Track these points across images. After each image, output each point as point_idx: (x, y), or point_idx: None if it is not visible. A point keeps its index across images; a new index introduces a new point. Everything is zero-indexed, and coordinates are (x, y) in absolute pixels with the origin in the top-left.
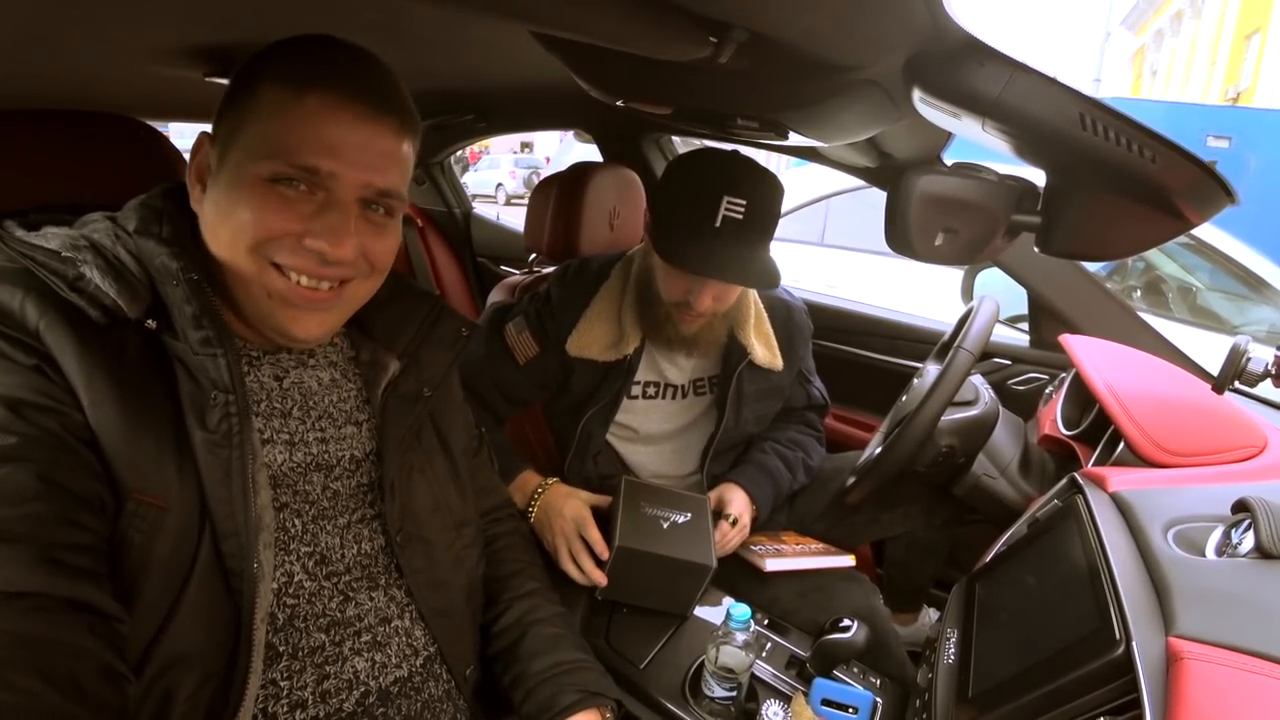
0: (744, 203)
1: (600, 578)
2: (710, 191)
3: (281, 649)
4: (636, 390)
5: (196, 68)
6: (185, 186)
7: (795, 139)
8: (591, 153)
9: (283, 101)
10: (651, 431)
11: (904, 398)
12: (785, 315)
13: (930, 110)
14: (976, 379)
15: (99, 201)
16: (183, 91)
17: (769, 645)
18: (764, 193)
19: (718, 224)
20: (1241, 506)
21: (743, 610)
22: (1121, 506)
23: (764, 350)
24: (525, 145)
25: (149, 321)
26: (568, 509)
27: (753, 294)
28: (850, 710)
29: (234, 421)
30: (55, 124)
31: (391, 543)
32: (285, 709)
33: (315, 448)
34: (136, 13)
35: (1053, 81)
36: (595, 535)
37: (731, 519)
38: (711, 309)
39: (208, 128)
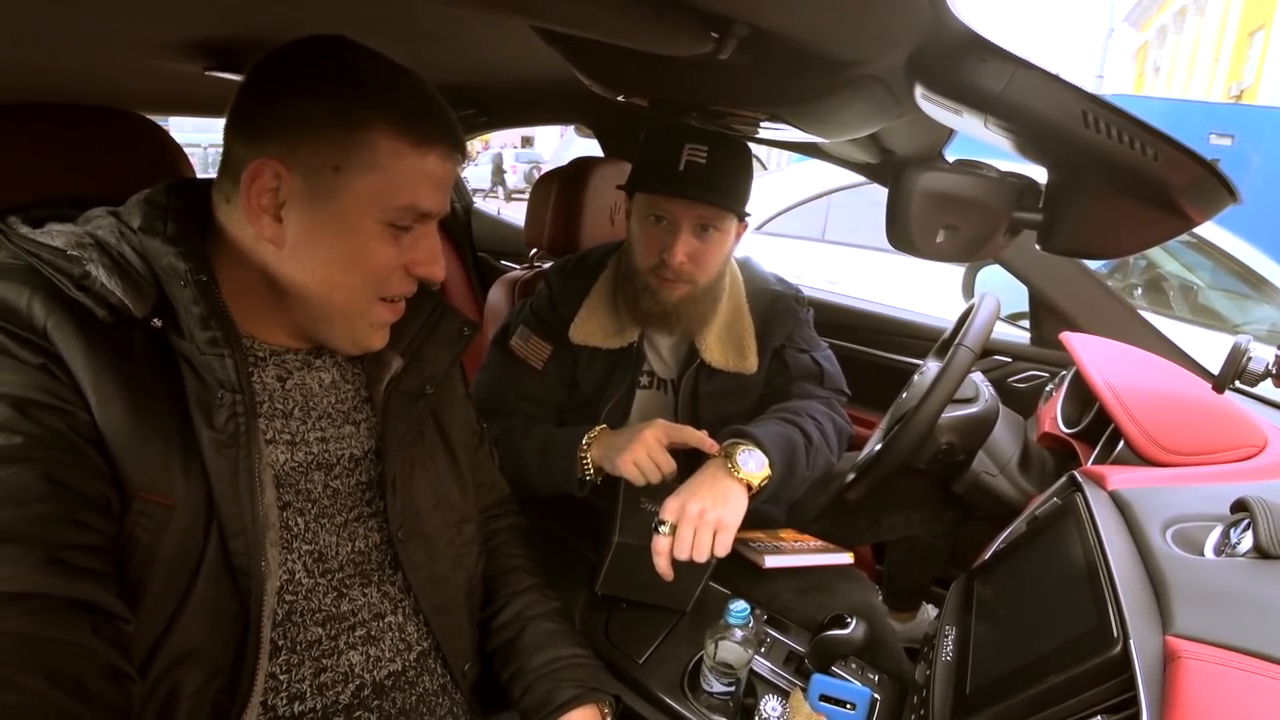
0: (705, 149)
1: (654, 473)
2: (674, 141)
3: (280, 643)
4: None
5: (198, 62)
6: (189, 181)
7: (796, 134)
8: (592, 147)
9: (403, 156)
10: None
11: (904, 394)
12: (766, 304)
13: (932, 107)
14: (977, 376)
15: (100, 196)
16: (184, 85)
17: (768, 641)
18: (725, 144)
19: (681, 167)
20: (1240, 506)
21: (742, 606)
22: (1120, 505)
23: (724, 351)
24: (526, 140)
25: (154, 320)
26: (648, 429)
27: (730, 292)
28: (848, 706)
29: (241, 421)
30: (55, 117)
31: (391, 539)
32: (284, 701)
33: (316, 447)
34: (138, 6)
35: (1055, 79)
36: (663, 457)
37: (664, 529)
38: (689, 272)
39: (209, 122)
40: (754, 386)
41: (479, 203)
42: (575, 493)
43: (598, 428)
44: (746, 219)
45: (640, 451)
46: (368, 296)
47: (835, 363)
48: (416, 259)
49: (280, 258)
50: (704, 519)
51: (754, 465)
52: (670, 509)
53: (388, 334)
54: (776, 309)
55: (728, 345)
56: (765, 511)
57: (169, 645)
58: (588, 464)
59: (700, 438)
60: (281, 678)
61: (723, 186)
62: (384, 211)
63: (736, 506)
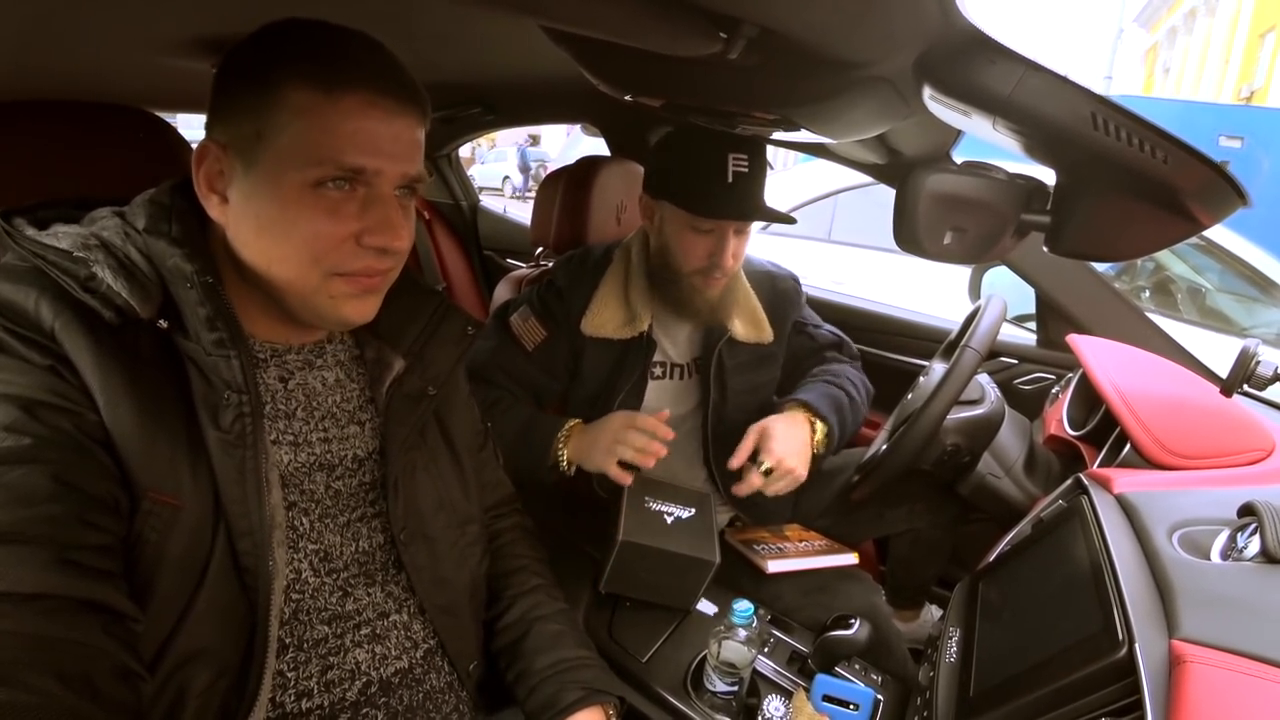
0: (746, 157)
1: (659, 448)
2: (718, 152)
3: (288, 641)
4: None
5: (205, 59)
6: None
7: (804, 135)
8: (599, 146)
9: (313, 104)
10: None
11: (910, 395)
12: (770, 285)
13: (940, 108)
14: (983, 378)
15: (108, 194)
16: (191, 83)
17: (771, 641)
18: (758, 148)
19: (730, 179)
20: (1247, 510)
21: (745, 606)
22: (1126, 508)
23: (745, 325)
24: (533, 138)
25: (160, 322)
26: (611, 420)
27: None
28: (851, 707)
29: (247, 421)
30: (62, 115)
31: (394, 540)
32: (292, 698)
33: (319, 448)
34: (147, 4)
35: (1064, 80)
36: (649, 421)
37: (764, 467)
38: (733, 267)
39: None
40: (774, 357)
41: (485, 200)
42: (544, 479)
43: (572, 422)
44: None
45: (629, 443)
46: (315, 273)
47: (830, 326)
48: (368, 227)
49: (233, 240)
50: (794, 475)
51: (821, 433)
52: (774, 456)
53: (368, 304)
54: (780, 288)
55: (746, 319)
56: (771, 508)
57: (177, 645)
58: (562, 456)
59: (664, 428)
60: (289, 675)
61: (762, 194)
62: (303, 170)
63: (808, 466)
